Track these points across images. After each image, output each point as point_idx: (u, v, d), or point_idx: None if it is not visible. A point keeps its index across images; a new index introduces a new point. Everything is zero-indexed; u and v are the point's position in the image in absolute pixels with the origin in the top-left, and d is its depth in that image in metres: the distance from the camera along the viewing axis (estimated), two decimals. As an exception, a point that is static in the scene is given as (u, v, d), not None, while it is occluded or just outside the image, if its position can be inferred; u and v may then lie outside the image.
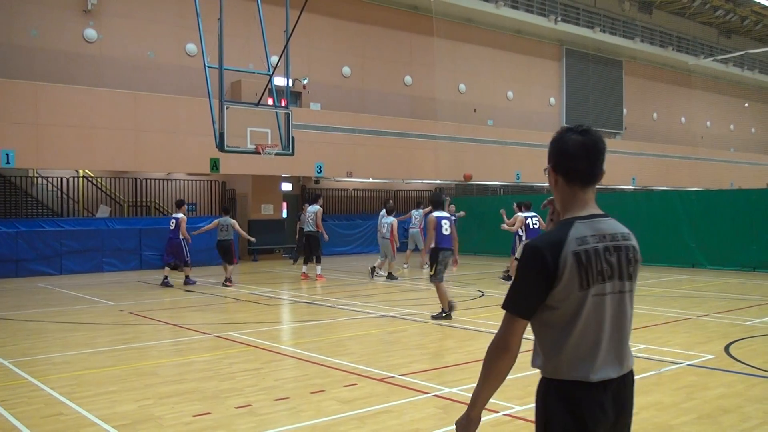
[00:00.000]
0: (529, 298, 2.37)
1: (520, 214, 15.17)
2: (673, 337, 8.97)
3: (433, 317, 10.42)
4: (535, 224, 14.79)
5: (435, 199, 11.13)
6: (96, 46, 21.46)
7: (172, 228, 15.84)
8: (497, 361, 2.43)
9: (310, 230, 16.58)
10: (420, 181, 28.40)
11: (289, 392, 6.39)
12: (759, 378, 6.80)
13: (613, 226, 2.47)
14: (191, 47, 22.97)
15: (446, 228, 10.54)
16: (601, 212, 2.48)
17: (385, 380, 6.79)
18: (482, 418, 2.60)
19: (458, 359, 7.68)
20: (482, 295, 13.41)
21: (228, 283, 15.56)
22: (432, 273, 10.57)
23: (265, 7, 15.38)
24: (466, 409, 2.55)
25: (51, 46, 20.66)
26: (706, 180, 36.54)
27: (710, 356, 7.75)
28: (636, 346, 8.31)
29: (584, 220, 2.42)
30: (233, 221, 16.00)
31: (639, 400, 5.97)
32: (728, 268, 18.11)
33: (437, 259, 10.46)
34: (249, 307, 12.44)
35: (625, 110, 38.63)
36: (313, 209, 16.60)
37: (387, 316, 11.05)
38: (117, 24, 21.82)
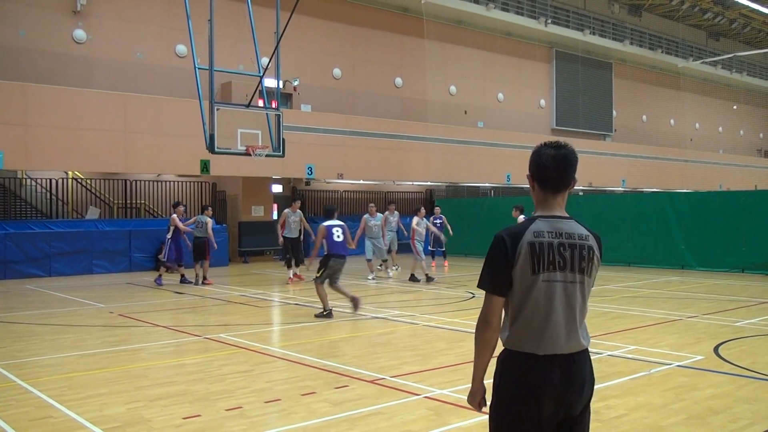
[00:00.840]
0: (497, 278, 2.82)
1: (522, 216, 15.65)
2: (662, 338, 9.01)
3: (316, 316, 11.13)
4: None
5: (327, 209, 11.90)
6: (85, 47, 21.36)
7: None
8: (482, 335, 2.88)
9: (294, 236, 16.61)
10: (411, 183, 28.42)
11: (280, 394, 6.38)
12: (748, 378, 6.84)
13: (572, 227, 2.90)
14: (181, 48, 22.91)
15: (338, 235, 11.11)
16: (565, 215, 2.93)
17: (376, 382, 6.79)
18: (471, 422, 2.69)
19: (449, 361, 7.68)
20: (473, 297, 13.42)
21: (207, 282, 16.10)
22: (318, 275, 11.09)
23: (256, 9, 15.36)
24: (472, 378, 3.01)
25: (40, 47, 20.55)
26: (696, 182, 36.75)
27: (700, 357, 7.79)
28: (626, 347, 8.35)
29: (545, 218, 2.89)
30: (209, 220, 16.17)
31: (629, 401, 6.01)
32: (717, 269, 18.21)
33: (327, 264, 11.02)
34: (239, 309, 12.40)
35: (614, 112, 38.81)
36: (298, 215, 16.69)
37: (378, 317, 11.04)
38: (106, 25, 21.73)
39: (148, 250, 20.07)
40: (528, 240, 2.80)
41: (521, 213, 15.98)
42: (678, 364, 7.46)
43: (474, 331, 2.95)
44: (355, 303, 10.99)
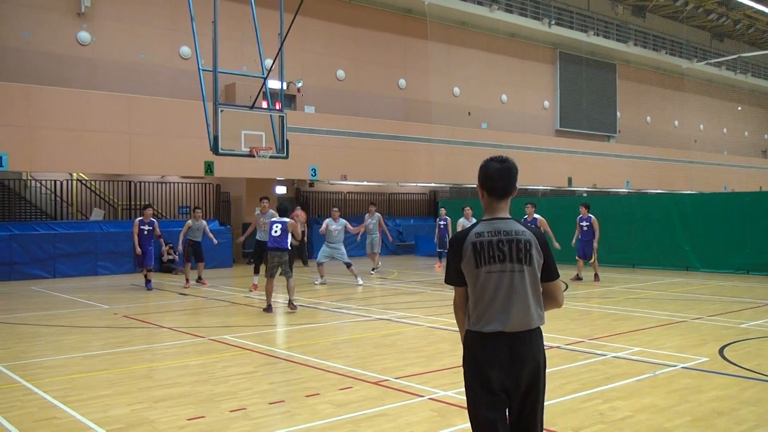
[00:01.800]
0: (454, 273, 3.51)
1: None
2: (667, 339, 8.98)
3: (265, 310, 11.83)
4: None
5: (280, 207, 12.63)
6: (89, 49, 21.41)
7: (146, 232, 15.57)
8: (456, 316, 3.62)
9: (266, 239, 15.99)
10: (414, 184, 28.41)
11: (284, 395, 6.37)
12: (753, 380, 6.81)
13: (511, 225, 3.44)
14: (185, 50, 22.95)
15: (276, 230, 11.95)
16: (506, 216, 3.49)
17: (380, 383, 6.78)
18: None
19: (453, 362, 7.67)
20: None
21: (202, 282, 16.39)
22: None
23: (259, 11, 15.36)
24: None
25: (44, 49, 20.60)
26: (700, 183, 36.67)
27: (704, 359, 7.76)
28: (630, 348, 8.33)
29: (487, 221, 3.47)
30: (206, 224, 16.54)
31: (633, 403, 5.99)
32: (722, 271, 18.16)
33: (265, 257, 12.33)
34: (243, 310, 12.41)
35: (618, 113, 38.75)
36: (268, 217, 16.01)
37: (382, 319, 11.04)
38: (110, 27, 21.78)
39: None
40: (471, 240, 3.41)
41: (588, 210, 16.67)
42: (683, 365, 7.44)
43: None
44: (269, 307, 11.90)
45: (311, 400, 6.21)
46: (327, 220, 16.46)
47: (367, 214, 19.14)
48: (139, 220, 15.41)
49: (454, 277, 3.51)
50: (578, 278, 16.41)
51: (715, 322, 10.33)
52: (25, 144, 17.89)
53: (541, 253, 3.42)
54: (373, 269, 18.71)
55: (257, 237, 15.68)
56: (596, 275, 16.39)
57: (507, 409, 3.41)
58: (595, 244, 16.07)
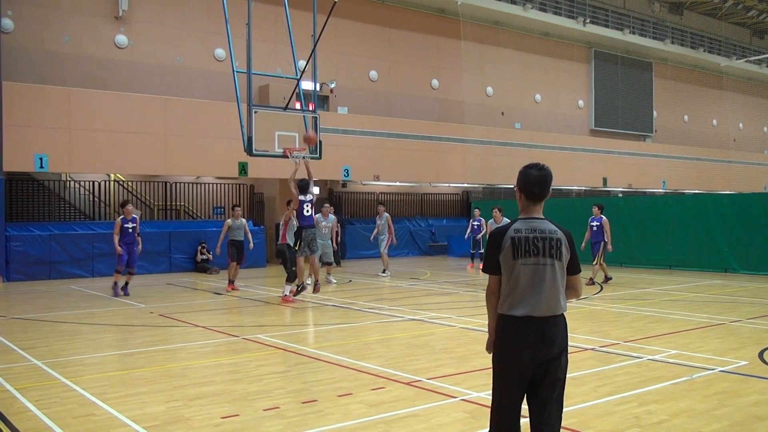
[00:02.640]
0: (492, 263, 3.96)
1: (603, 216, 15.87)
2: (705, 342, 8.83)
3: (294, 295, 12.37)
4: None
5: (301, 183, 13.00)
6: (127, 52, 21.78)
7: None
8: (489, 302, 4.06)
9: (240, 239, 15.72)
10: (447, 185, 28.33)
11: (317, 395, 6.41)
12: (794, 385, 6.66)
13: (545, 225, 3.94)
14: (220, 52, 23.20)
15: (307, 210, 12.31)
16: (541, 217, 3.99)
17: (413, 384, 6.78)
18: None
19: (485, 363, 7.60)
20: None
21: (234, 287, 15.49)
22: (296, 248, 12.23)
23: (293, 12, 15.47)
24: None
25: (83, 52, 21.01)
26: (739, 183, 35.94)
27: (743, 362, 7.61)
28: (667, 351, 8.21)
29: (524, 219, 3.98)
30: (244, 221, 16.26)
31: (670, 407, 5.90)
32: (762, 272, 17.78)
33: (300, 236, 12.26)
34: (277, 309, 12.50)
35: (655, 113, 38.15)
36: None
37: (414, 319, 11.03)
38: (147, 30, 22.13)
39: (187, 252, 20.39)
40: (510, 235, 3.89)
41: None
42: (721, 369, 7.30)
43: (486, 301, 4.11)
44: (302, 288, 12.25)
45: (344, 399, 6.23)
46: (317, 216, 15.75)
47: (377, 216, 18.96)
48: (122, 218, 14.14)
49: (492, 266, 3.96)
50: (592, 282, 15.59)
51: (755, 325, 10.11)
52: (64, 146, 18.27)
53: (569, 250, 3.94)
54: (383, 271, 18.36)
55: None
56: (591, 279, 15.46)
57: (526, 390, 3.91)
58: (609, 246, 15.51)
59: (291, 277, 13.28)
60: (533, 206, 4.00)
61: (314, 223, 12.63)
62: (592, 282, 15.45)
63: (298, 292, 12.33)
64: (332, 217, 16.86)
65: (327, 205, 17.17)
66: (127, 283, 14.50)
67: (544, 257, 3.87)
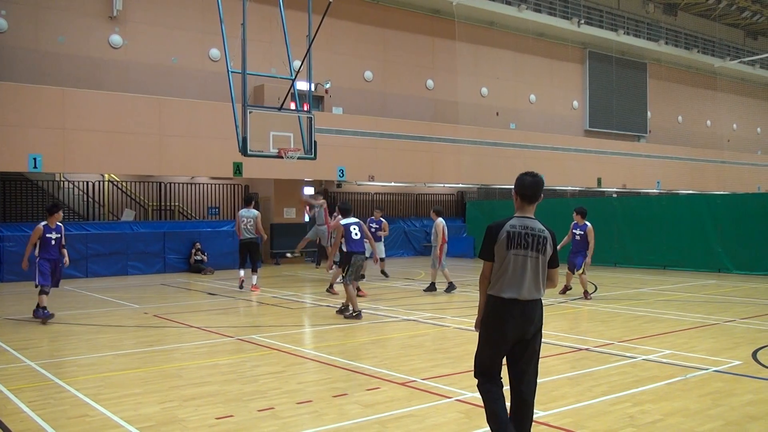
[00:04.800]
0: (487, 251, 4.70)
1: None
2: (699, 342, 8.85)
3: (345, 316, 11.19)
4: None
5: (343, 207, 12.12)
6: (121, 52, 21.72)
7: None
8: (481, 285, 4.81)
9: (251, 237, 15.12)
10: (442, 185, 28.35)
11: (312, 395, 6.41)
12: (787, 385, 6.69)
13: (535, 224, 4.72)
14: (215, 52, 23.17)
15: (355, 233, 11.47)
16: (532, 216, 4.77)
17: (408, 384, 6.78)
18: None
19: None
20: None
21: (255, 287, 15.14)
22: (344, 275, 11.48)
23: (288, 13, 15.46)
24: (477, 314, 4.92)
25: (77, 52, 20.95)
26: (733, 183, 36.05)
27: (737, 362, 7.64)
28: (661, 351, 8.24)
29: (519, 218, 4.74)
30: (257, 213, 15.34)
31: (664, 406, 5.92)
32: (755, 272, 17.85)
33: (349, 261, 11.38)
34: (271, 310, 12.49)
35: (649, 113, 38.26)
36: (252, 214, 15.16)
37: (409, 320, 11.04)
38: (142, 30, 22.08)
39: (182, 252, 20.35)
40: (506, 229, 4.66)
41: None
42: (715, 369, 7.33)
43: (479, 284, 4.84)
44: (358, 314, 11.15)
45: (339, 400, 6.23)
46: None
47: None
48: (44, 225, 11.02)
49: (488, 253, 4.70)
50: (567, 288, 14.06)
51: (749, 325, 10.15)
52: (59, 146, 18.21)
53: (552, 247, 4.72)
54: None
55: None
56: (586, 292, 13.46)
57: (505, 357, 4.74)
58: (588, 259, 13.43)
59: (255, 268, 15.09)
60: (527, 207, 4.79)
61: (364, 249, 11.60)
62: (587, 295, 13.45)
63: (352, 316, 11.14)
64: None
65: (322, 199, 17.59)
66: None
67: (531, 251, 4.64)
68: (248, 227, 15.09)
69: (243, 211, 15.29)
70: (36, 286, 11.06)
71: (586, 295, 13.41)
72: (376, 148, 24.11)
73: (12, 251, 17.59)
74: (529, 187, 4.77)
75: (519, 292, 4.59)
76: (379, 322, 10.86)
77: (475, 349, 4.87)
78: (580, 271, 13.48)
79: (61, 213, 11.40)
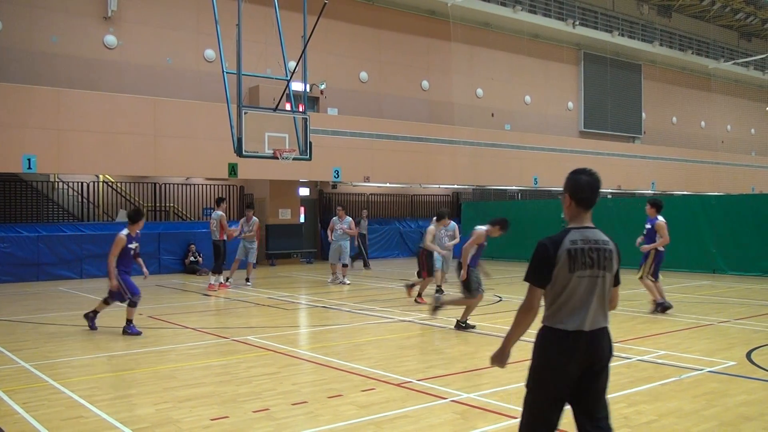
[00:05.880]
0: (540, 275, 3.68)
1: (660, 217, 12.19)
2: (693, 343, 8.87)
3: (460, 327, 9.83)
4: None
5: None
6: (116, 53, 21.68)
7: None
8: (525, 317, 3.71)
9: (214, 238, 15.56)
10: (437, 186, 28.36)
11: (307, 396, 6.40)
12: (782, 385, 6.70)
13: (597, 235, 3.76)
14: (210, 53, 23.14)
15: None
16: (591, 225, 3.79)
17: (403, 385, 6.78)
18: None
19: (476, 364, 7.65)
20: (500, 300, 13.35)
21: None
22: (467, 290, 9.77)
23: (283, 13, 15.45)
24: (501, 344, 3.85)
25: (71, 53, 20.89)
26: (727, 184, 36.15)
27: (732, 363, 7.66)
28: (656, 352, 8.25)
29: (578, 229, 3.75)
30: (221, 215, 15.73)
31: (659, 407, 5.93)
32: (750, 273, 17.90)
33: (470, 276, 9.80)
34: (267, 311, 12.48)
35: (644, 114, 38.35)
36: (215, 216, 15.55)
37: (405, 321, 11.03)
38: (136, 30, 22.04)
39: (177, 253, 20.32)
40: (567, 247, 3.66)
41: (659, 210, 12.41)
42: (709, 369, 7.34)
43: (516, 315, 3.74)
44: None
45: (334, 401, 6.22)
46: (333, 218, 17.16)
47: (335, 218, 17.56)
48: (126, 235, 9.92)
49: (540, 278, 3.69)
50: (663, 305, 11.62)
51: (743, 326, 10.18)
52: (53, 146, 18.15)
53: (618, 262, 3.83)
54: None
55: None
56: (654, 302, 11.76)
57: (568, 403, 3.75)
58: (650, 259, 11.96)
59: (217, 269, 15.47)
60: (584, 213, 3.79)
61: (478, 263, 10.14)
62: (663, 308, 11.59)
63: (461, 328, 9.79)
64: (348, 218, 17.07)
65: (340, 207, 17.74)
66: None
67: (598, 269, 3.70)
68: (212, 228, 15.77)
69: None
70: (123, 301, 9.96)
71: (655, 306, 11.51)
72: (371, 149, 24.11)
73: (6, 252, 17.54)
74: (587, 188, 3.76)
75: (584, 321, 3.65)
76: (375, 323, 10.85)
77: (520, 418, 3.81)
78: (640, 274, 11.80)
79: (143, 220, 10.18)
